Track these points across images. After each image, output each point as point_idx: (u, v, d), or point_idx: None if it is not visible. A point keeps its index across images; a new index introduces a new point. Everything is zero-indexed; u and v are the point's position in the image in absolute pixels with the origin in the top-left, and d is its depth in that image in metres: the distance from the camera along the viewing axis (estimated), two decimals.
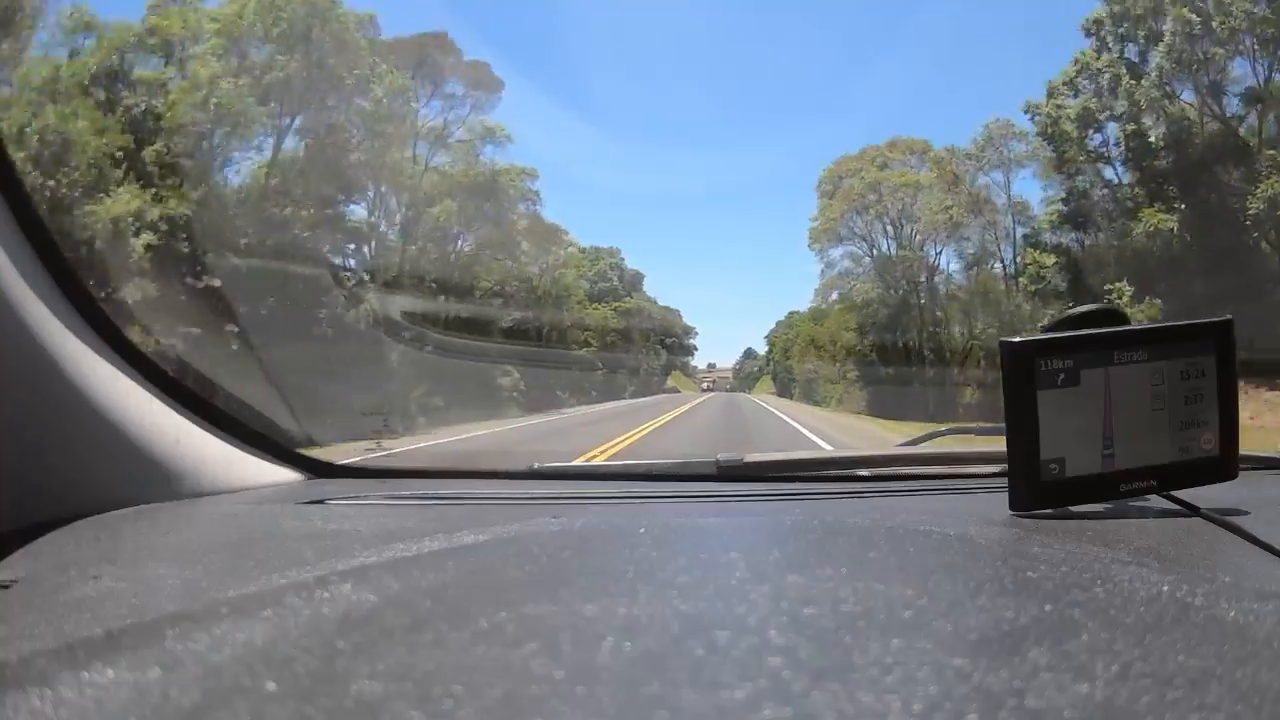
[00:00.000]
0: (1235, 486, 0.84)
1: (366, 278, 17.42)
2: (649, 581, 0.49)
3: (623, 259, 35.09)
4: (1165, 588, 0.49)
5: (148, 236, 12.08)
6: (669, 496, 1.07)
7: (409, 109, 19.70)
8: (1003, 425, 0.82)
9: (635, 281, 35.91)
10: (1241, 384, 0.90)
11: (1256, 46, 16.64)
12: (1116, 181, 19.27)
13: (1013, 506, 0.82)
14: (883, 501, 1.02)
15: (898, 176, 23.18)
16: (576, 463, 1.49)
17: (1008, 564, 0.56)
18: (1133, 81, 17.80)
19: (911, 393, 21.20)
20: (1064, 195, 20.06)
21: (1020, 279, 20.44)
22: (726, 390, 48.22)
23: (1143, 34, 17.86)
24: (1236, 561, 0.68)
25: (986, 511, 0.84)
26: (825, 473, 1.21)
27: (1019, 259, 20.90)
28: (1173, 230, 17.20)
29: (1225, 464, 0.83)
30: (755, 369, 49.62)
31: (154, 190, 12.77)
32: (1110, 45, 18.54)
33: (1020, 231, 21.25)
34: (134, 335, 0.99)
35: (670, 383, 41.46)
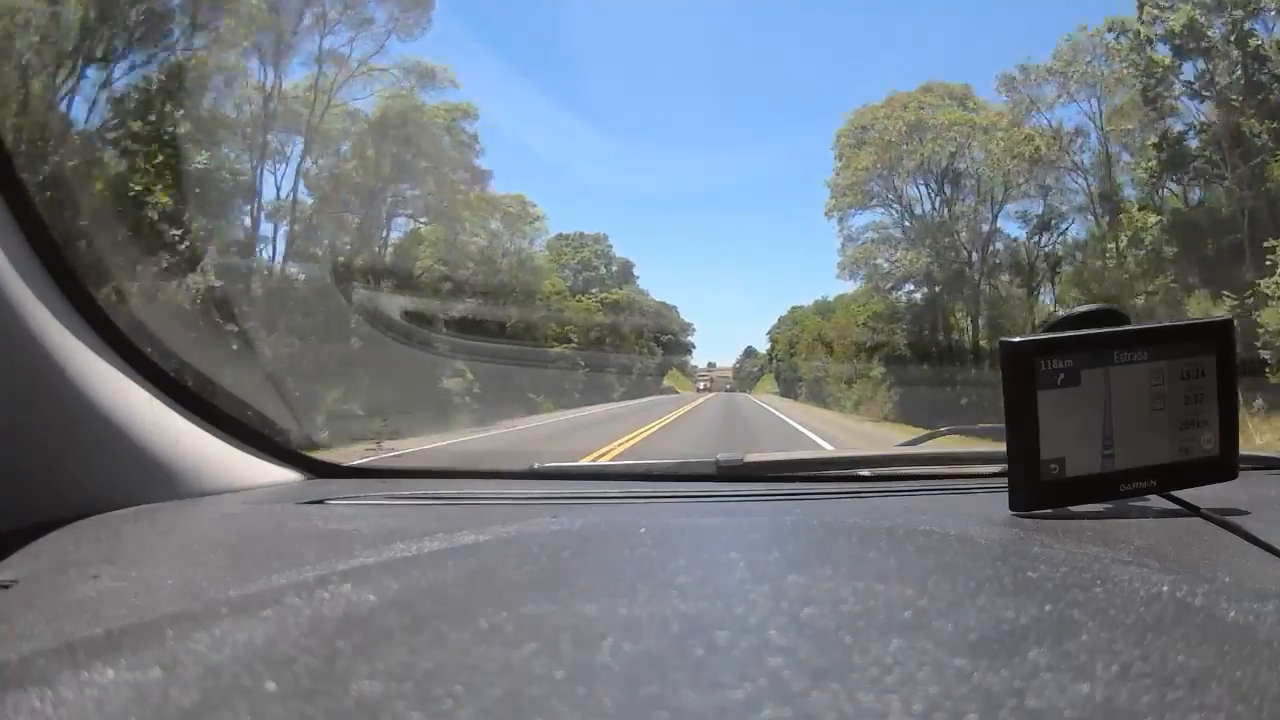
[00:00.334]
0: (1235, 486, 0.84)
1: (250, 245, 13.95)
2: (649, 581, 0.49)
3: (610, 245, 31.33)
4: (1165, 588, 0.49)
5: None
6: (669, 496, 1.07)
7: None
8: (1003, 425, 0.82)
9: (625, 272, 32.24)
10: None
11: None
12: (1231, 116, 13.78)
13: (1013, 506, 0.82)
14: (883, 501, 1.02)
15: (947, 115, 18.04)
16: (576, 463, 1.49)
17: (1008, 564, 0.56)
18: None
19: (956, 396, 16.73)
20: (1157, 140, 15.17)
21: (1115, 244, 15.74)
22: (726, 390, 43.38)
23: None
24: (1236, 561, 0.68)
25: (986, 511, 0.84)
26: (825, 473, 1.21)
27: (1110, 219, 15.92)
28: None
29: (1225, 464, 0.83)
30: (756, 368, 45.42)
31: None
32: None
33: (1093, 184, 16.40)
34: (133, 335, 0.98)
35: (667, 383, 37.64)
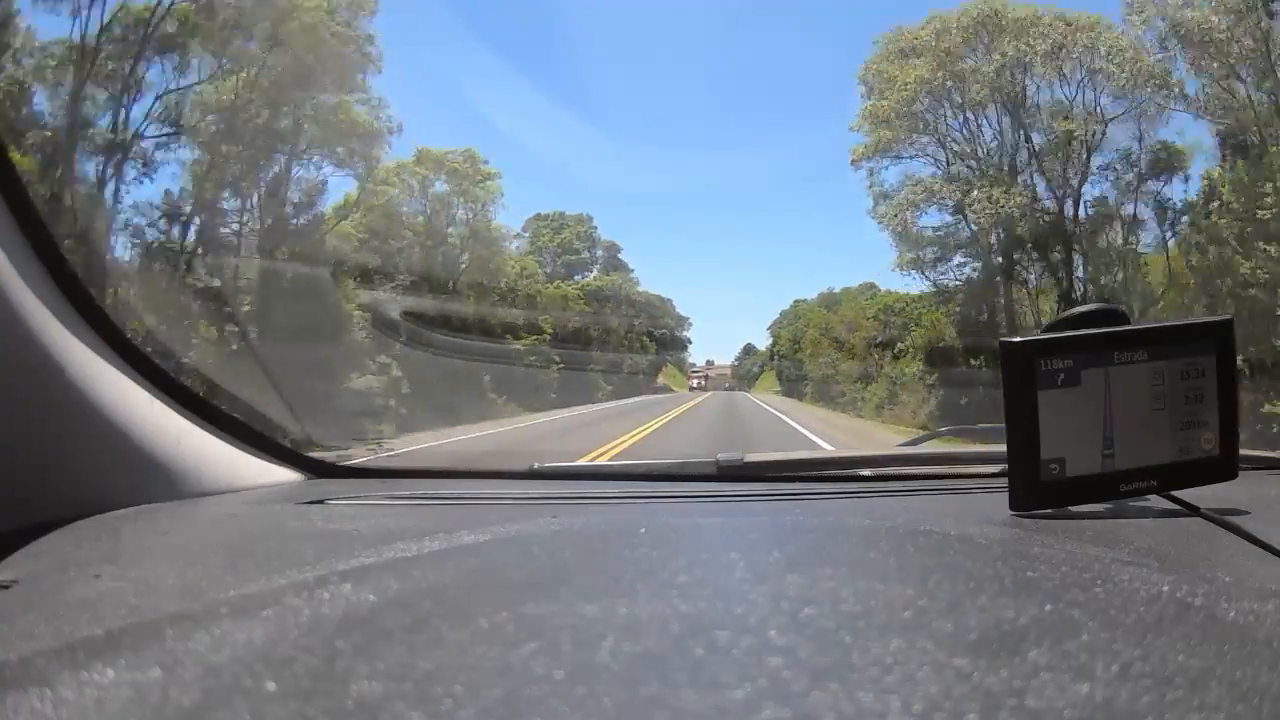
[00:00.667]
0: (1235, 486, 0.84)
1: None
2: (649, 581, 0.49)
3: (595, 227, 27.19)
4: (1165, 588, 0.49)
5: None
6: (669, 496, 1.07)
7: None
8: (1003, 425, 0.82)
9: (612, 258, 28.38)
10: None
11: None
12: None
13: (1013, 506, 0.82)
14: (883, 501, 1.02)
15: (1029, 10, 13.12)
16: (577, 463, 1.49)
17: (1008, 564, 0.56)
18: None
19: None
20: None
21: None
22: (725, 389, 38.39)
23: None
24: (1236, 561, 0.68)
25: (986, 511, 0.84)
26: (825, 473, 1.21)
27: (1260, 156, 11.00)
28: None
29: (1225, 464, 0.83)
30: (755, 367, 41.29)
31: None
32: None
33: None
34: (134, 335, 0.98)
35: (661, 381, 33.51)
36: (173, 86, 12.06)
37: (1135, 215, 14.25)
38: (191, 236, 12.38)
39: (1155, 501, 0.86)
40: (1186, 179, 13.82)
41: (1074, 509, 0.83)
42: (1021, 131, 14.31)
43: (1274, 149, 11.38)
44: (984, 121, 14.64)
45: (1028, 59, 13.66)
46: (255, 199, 13.45)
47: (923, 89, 14.35)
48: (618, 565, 0.55)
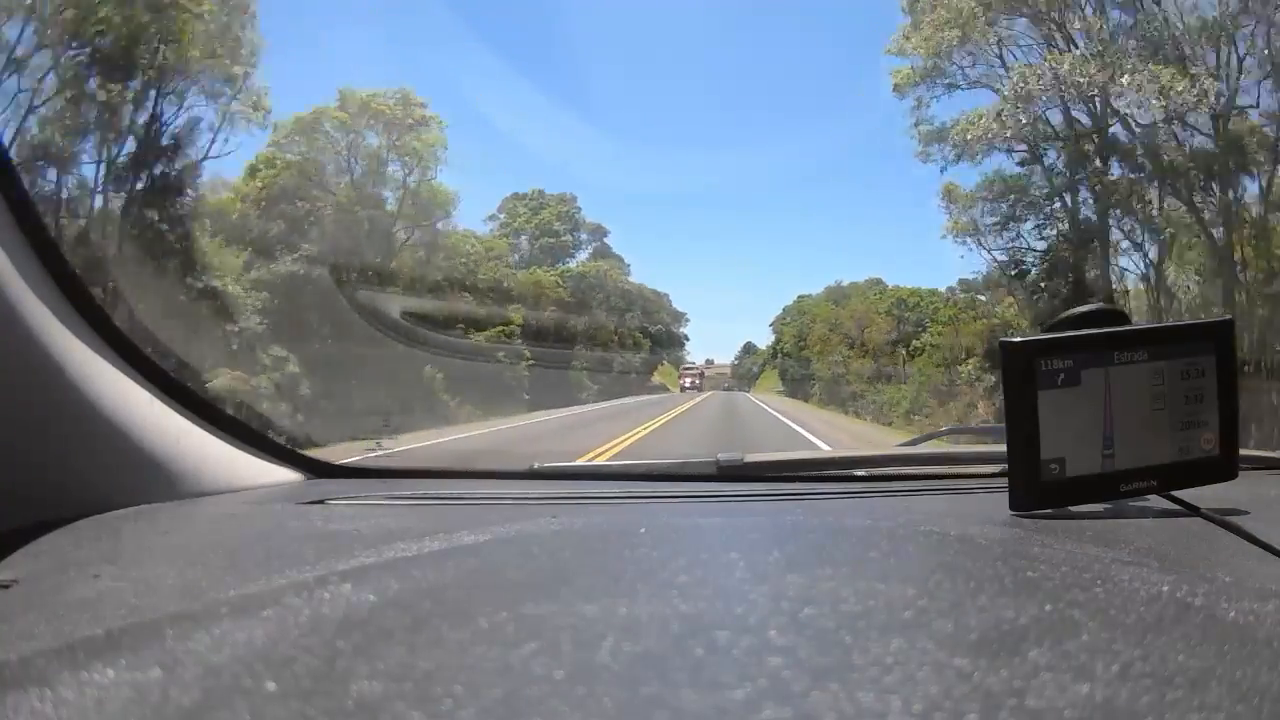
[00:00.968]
0: (1235, 486, 0.84)
1: None
2: (649, 581, 0.49)
3: (579, 209, 24.02)
4: (1165, 588, 0.49)
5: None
6: (669, 496, 1.07)
7: None
8: (1003, 425, 0.82)
9: (599, 244, 24.99)
10: None
11: None
12: None
13: (1013, 506, 0.82)
14: (883, 502, 1.02)
15: None
16: (576, 463, 1.49)
17: (1008, 564, 0.56)
18: None
19: None
20: None
21: None
22: (725, 389, 34.30)
23: None
24: (1236, 561, 0.68)
25: (986, 511, 0.84)
26: (825, 473, 1.21)
27: None
28: None
29: (1225, 464, 0.83)
30: (755, 366, 37.92)
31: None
32: None
33: None
34: (134, 335, 0.98)
35: (657, 380, 30.88)
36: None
37: None
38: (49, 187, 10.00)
39: (1155, 501, 0.86)
40: None
41: (1074, 509, 0.83)
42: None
43: None
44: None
45: None
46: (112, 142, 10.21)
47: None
48: (618, 565, 0.55)
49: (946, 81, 11.97)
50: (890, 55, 12.65)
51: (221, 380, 9.73)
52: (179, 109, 11.43)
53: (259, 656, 0.37)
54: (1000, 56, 11.67)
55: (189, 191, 11.63)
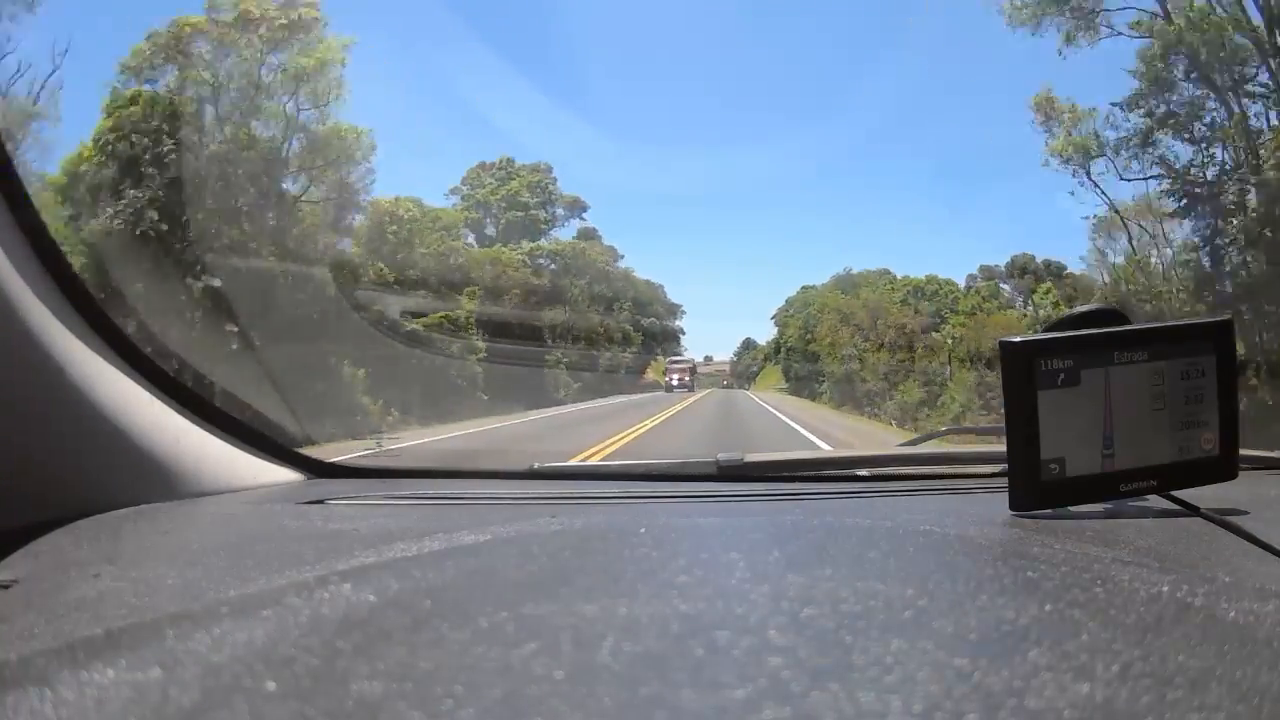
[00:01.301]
0: (1235, 486, 0.84)
1: None
2: (649, 581, 0.49)
3: (554, 179, 20.32)
4: (1165, 588, 0.49)
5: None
6: (669, 496, 1.07)
7: None
8: (1003, 425, 0.82)
9: (582, 223, 21.19)
10: None
11: None
12: None
13: (1013, 506, 0.82)
14: (883, 501, 1.02)
15: None
16: (576, 463, 1.49)
17: (1008, 564, 0.56)
18: None
19: None
20: None
21: None
22: (724, 387, 30.93)
23: None
24: (1236, 561, 0.68)
25: (986, 511, 0.84)
26: (825, 473, 1.21)
27: None
28: None
29: (1225, 464, 0.83)
30: (754, 364, 34.90)
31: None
32: None
33: None
34: (134, 335, 0.98)
35: (651, 377, 27.03)
36: None
37: None
38: None
39: (1155, 501, 0.86)
40: None
41: (1074, 509, 0.83)
42: None
43: None
44: None
45: None
46: None
47: None
48: (618, 565, 0.55)
49: None
50: None
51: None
52: None
53: (259, 656, 0.37)
54: None
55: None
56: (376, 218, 13.90)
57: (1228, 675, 0.36)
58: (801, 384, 23.33)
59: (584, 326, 20.13)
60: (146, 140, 10.27)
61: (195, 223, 10.26)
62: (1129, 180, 9.41)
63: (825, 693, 0.33)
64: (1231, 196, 8.67)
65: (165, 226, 9.80)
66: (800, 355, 23.38)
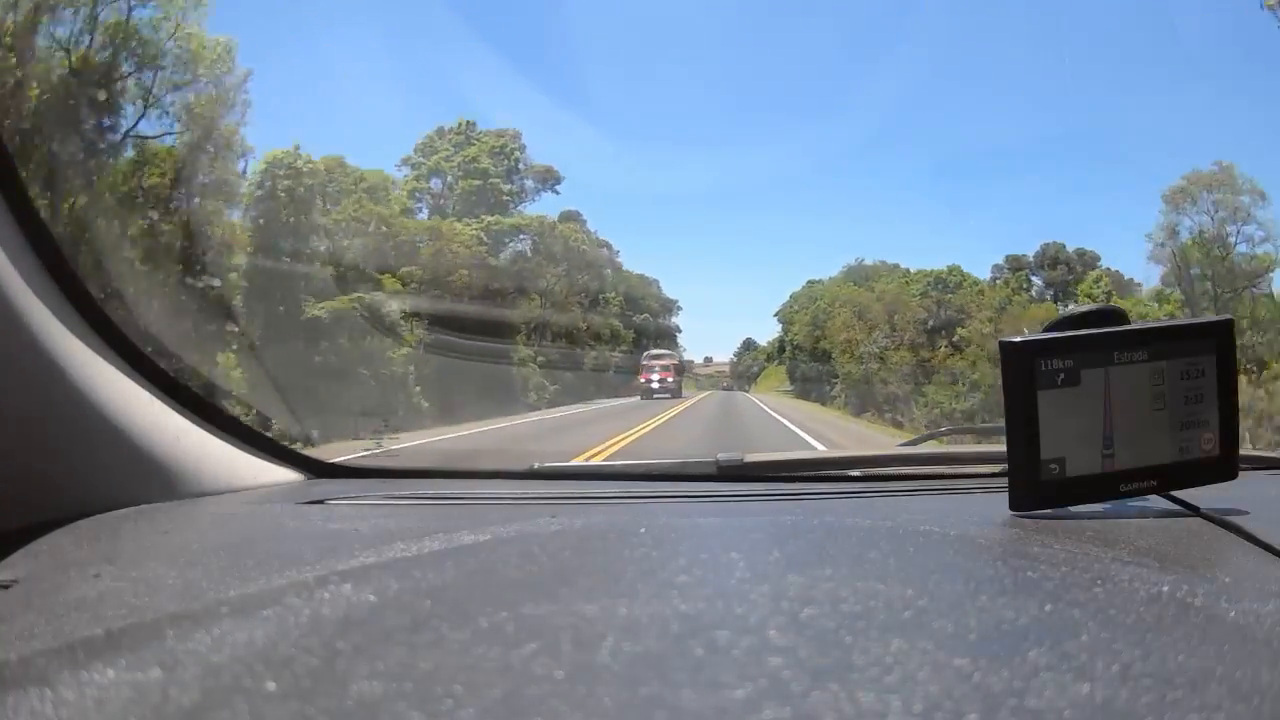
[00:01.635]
0: (1235, 486, 0.84)
1: None
2: (649, 581, 0.49)
3: (523, 145, 17.26)
4: (1165, 588, 0.49)
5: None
6: (669, 496, 1.07)
7: None
8: (1003, 425, 0.82)
9: (553, 196, 18.30)
10: None
11: None
12: None
13: (1013, 506, 0.82)
14: (883, 502, 1.02)
15: None
16: (576, 463, 1.49)
17: (1008, 564, 0.56)
18: None
19: None
20: None
21: None
22: (724, 389, 28.52)
23: None
24: (1236, 561, 0.68)
25: (986, 511, 0.84)
26: (825, 473, 1.21)
27: None
28: None
29: (1225, 464, 0.83)
30: (755, 365, 32.82)
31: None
32: None
33: None
34: (134, 335, 0.98)
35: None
36: None
37: None
38: None
39: (1155, 501, 0.86)
40: None
41: (1074, 509, 0.83)
42: None
43: None
44: None
45: None
46: None
47: None
48: (618, 565, 0.55)
49: None
50: None
51: None
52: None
53: (259, 656, 0.37)
54: None
55: None
56: (265, 173, 10.96)
57: (1228, 675, 0.36)
58: (809, 386, 21.00)
59: (564, 321, 17.18)
60: None
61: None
62: None
63: (825, 693, 0.33)
64: None
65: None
66: (808, 354, 21.14)
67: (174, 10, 9.63)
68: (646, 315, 23.38)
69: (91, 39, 9.43)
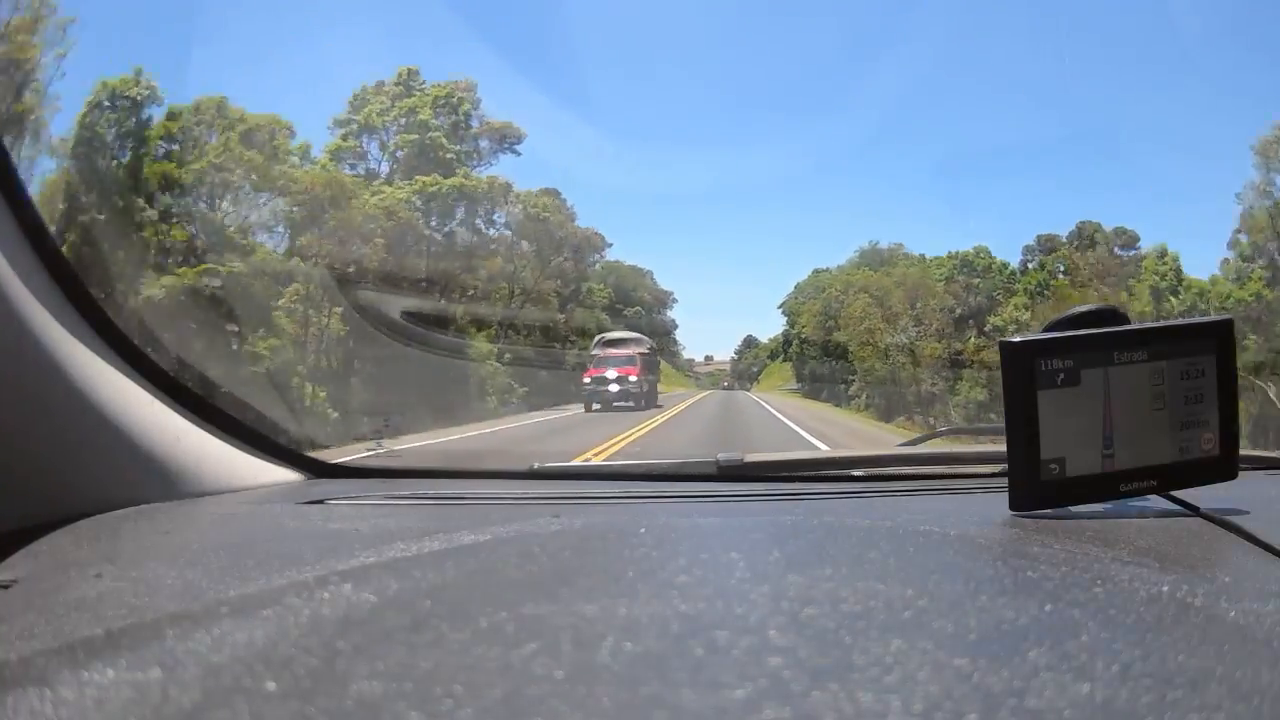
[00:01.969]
0: (1235, 486, 0.84)
1: None
2: (649, 581, 0.49)
3: (479, 99, 14.03)
4: (1165, 588, 0.49)
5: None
6: (669, 496, 1.07)
7: None
8: (1003, 425, 0.82)
9: (511, 158, 14.80)
10: None
11: None
12: None
13: (1013, 506, 0.82)
14: (883, 502, 1.02)
15: None
16: (576, 463, 1.49)
17: (1008, 564, 0.56)
18: None
19: None
20: None
21: None
22: (725, 389, 26.79)
23: None
24: (1236, 561, 0.68)
25: (986, 511, 0.84)
26: (825, 473, 1.21)
27: None
28: None
29: (1225, 464, 0.83)
30: (756, 363, 31.20)
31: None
32: None
33: None
34: (134, 335, 0.98)
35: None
36: None
37: None
38: None
39: (1155, 501, 0.86)
40: None
41: (1074, 509, 0.83)
42: None
43: None
44: None
45: None
46: None
47: None
48: (618, 565, 0.55)
49: None
50: None
51: None
52: None
53: (259, 656, 0.37)
54: None
55: None
56: (93, 107, 8.70)
57: (1228, 675, 0.36)
58: (819, 385, 18.05)
59: (537, 315, 14.15)
60: None
61: None
62: None
63: (825, 693, 0.33)
64: None
65: None
66: (818, 349, 18.05)
67: None
68: (638, 308, 20.57)
69: None
